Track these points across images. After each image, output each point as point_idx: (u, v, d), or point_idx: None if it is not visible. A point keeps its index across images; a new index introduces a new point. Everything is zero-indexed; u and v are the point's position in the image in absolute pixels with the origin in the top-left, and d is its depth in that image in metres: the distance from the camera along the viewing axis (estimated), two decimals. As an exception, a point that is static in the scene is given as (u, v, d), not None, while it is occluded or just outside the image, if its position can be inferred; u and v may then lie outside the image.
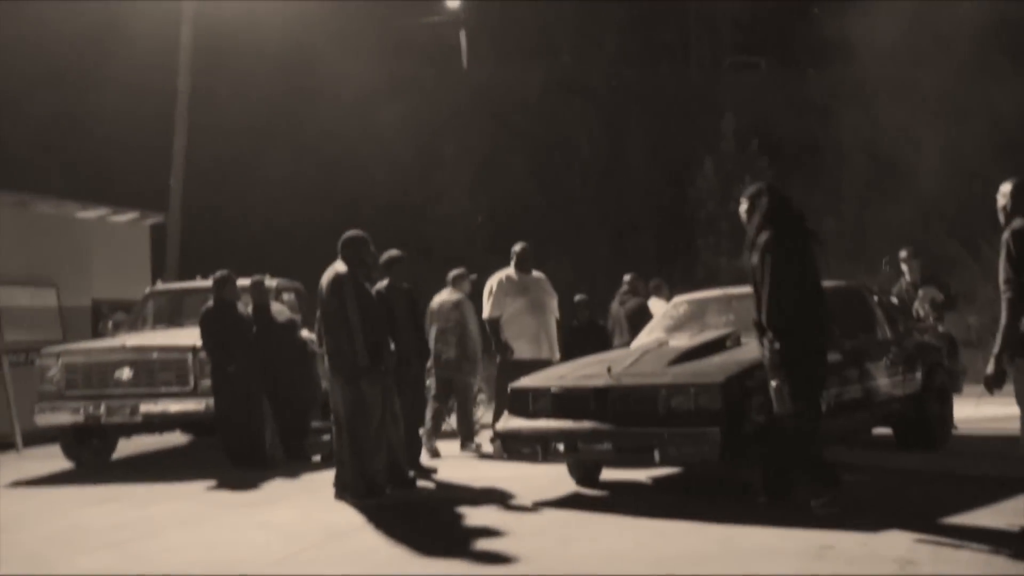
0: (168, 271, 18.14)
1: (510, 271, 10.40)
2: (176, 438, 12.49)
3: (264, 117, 25.42)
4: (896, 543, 5.49)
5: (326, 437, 10.78)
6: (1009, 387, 5.56)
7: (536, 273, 10.49)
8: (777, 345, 6.23)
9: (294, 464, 10.00)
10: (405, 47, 30.22)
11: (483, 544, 6.04)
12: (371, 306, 7.93)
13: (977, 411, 10.51)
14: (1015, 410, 7.34)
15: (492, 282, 10.39)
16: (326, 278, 7.88)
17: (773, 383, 6.24)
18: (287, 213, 24.71)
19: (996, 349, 5.47)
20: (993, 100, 25.35)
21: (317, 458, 10.43)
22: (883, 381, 8.39)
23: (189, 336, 10.43)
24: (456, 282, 10.82)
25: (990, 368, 5.52)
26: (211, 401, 10.07)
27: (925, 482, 6.31)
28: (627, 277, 11.91)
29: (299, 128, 25.70)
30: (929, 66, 27.55)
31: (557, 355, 10.21)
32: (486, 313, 10.30)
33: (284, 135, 25.59)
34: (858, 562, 5.15)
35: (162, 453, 12.09)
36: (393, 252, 9.05)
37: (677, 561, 5.38)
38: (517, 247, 10.49)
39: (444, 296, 10.74)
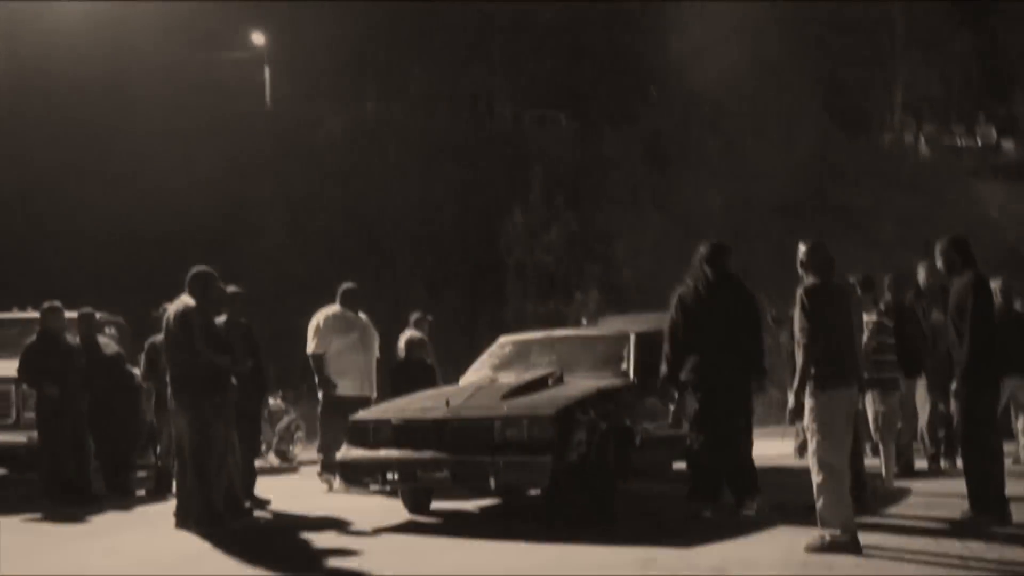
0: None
1: (337, 308, 10.68)
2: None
3: (70, 151, 24.69)
4: (710, 555, 6.25)
5: (143, 473, 10.87)
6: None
7: (361, 313, 10.85)
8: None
9: (118, 498, 9.99)
10: (209, 83, 30.13)
11: (336, 562, 6.41)
12: (217, 339, 8.20)
13: (770, 448, 11.59)
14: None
15: (319, 318, 10.64)
16: (173, 310, 8.11)
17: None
18: (95, 248, 24.00)
19: (795, 386, 6.31)
20: (773, 161, 27.75)
21: (141, 492, 10.45)
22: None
23: (11, 368, 10.28)
24: (418, 324, 11.35)
25: (791, 403, 6.37)
26: (34, 434, 9.97)
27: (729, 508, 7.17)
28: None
29: (107, 162, 25.08)
30: (712, 127, 29.80)
31: (375, 393, 10.64)
32: (311, 349, 10.54)
33: (92, 169, 24.90)
34: (678, 571, 5.86)
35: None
36: (232, 288, 9.29)
37: (526, 573, 5.95)
38: (345, 286, 10.80)
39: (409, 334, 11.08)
